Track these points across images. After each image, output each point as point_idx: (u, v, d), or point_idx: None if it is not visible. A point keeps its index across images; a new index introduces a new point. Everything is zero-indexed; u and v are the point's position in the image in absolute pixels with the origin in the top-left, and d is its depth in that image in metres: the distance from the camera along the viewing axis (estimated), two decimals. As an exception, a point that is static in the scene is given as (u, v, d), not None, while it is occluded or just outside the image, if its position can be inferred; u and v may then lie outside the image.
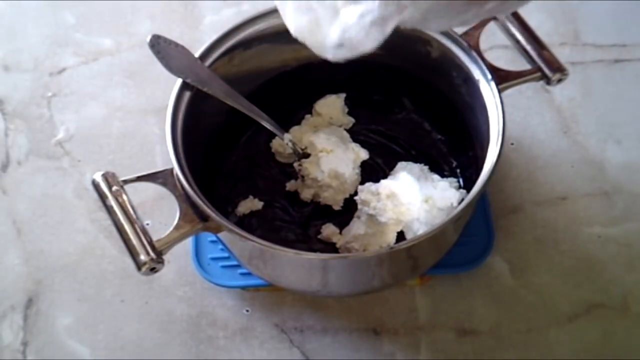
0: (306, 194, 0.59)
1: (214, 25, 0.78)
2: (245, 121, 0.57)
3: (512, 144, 0.68)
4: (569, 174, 0.66)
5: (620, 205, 0.64)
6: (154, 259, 0.43)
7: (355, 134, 0.63)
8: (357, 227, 0.55)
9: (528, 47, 0.54)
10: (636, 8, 0.76)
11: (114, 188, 0.46)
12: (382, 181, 0.56)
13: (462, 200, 0.52)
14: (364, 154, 0.60)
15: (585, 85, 0.71)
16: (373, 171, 0.61)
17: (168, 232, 0.46)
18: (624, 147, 0.67)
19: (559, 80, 0.53)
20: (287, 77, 0.63)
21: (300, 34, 0.39)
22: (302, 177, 0.59)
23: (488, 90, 0.52)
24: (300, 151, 0.60)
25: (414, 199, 0.54)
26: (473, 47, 0.53)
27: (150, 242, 0.44)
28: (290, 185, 0.61)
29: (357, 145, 0.60)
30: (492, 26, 0.55)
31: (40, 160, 0.70)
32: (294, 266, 0.51)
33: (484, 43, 0.54)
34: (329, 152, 0.59)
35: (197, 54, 0.54)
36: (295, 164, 0.60)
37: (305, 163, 0.59)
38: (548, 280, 0.60)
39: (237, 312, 0.61)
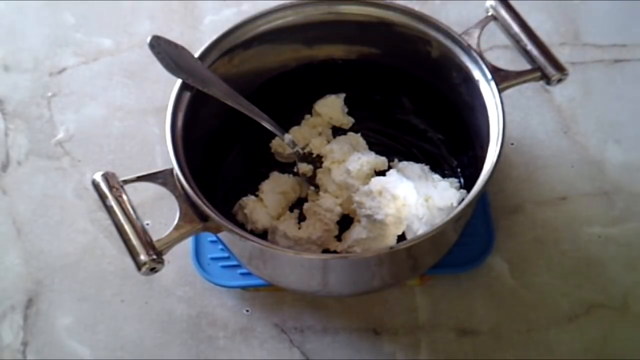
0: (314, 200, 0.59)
1: (214, 25, 0.78)
2: (245, 121, 0.57)
3: (512, 144, 0.68)
4: (569, 174, 0.66)
5: (620, 205, 0.64)
6: (154, 259, 0.43)
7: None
8: (358, 231, 0.55)
9: (528, 47, 0.54)
10: (636, 8, 0.76)
11: (114, 188, 0.46)
12: (372, 179, 0.57)
13: (463, 200, 0.52)
14: (382, 164, 0.60)
15: (585, 85, 0.71)
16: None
17: (168, 232, 0.46)
18: (624, 147, 0.67)
19: (559, 80, 0.53)
20: (287, 77, 0.63)
21: None
22: (317, 185, 0.60)
23: (488, 90, 0.52)
24: (301, 152, 0.60)
25: (408, 192, 0.54)
26: (473, 47, 0.53)
27: (150, 242, 0.44)
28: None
29: (374, 154, 0.60)
30: (492, 26, 0.55)
31: (40, 160, 0.70)
32: (294, 266, 0.51)
33: (484, 43, 0.54)
34: (340, 162, 0.59)
35: (197, 54, 0.54)
36: (299, 165, 0.60)
37: (319, 173, 0.59)
38: (548, 280, 0.60)
39: (237, 312, 0.61)
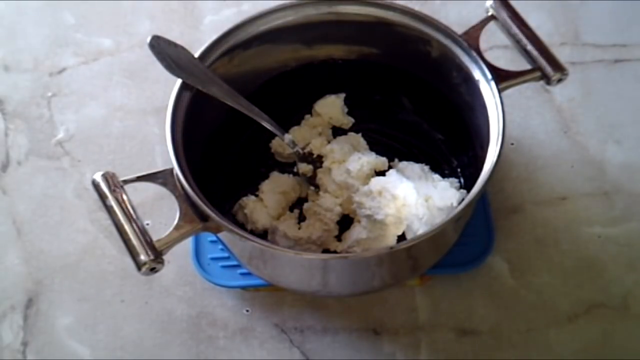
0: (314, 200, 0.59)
1: (214, 25, 0.78)
2: (245, 121, 0.57)
3: (512, 144, 0.68)
4: (569, 174, 0.66)
5: (620, 205, 0.64)
6: (153, 259, 0.43)
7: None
8: (358, 231, 0.55)
9: (528, 47, 0.53)
10: (636, 8, 0.76)
11: (114, 188, 0.46)
12: (372, 179, 0.57)
13: (463, 200, 0.52)
14: (382, 164, 0.59)
15: (585, 85, 0.71)
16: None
17: (168, 232, 0.46)
18: (624, 147, 0.67)
19: (559, 80, 0.53)
20: (287, 77, 0.63)
21: None
22: (317, 185, 0.60)
23: (488, 90, 0.52)
24: (301, 152, 0.60)
25: (408, 192, 0.54)
26: (473, 47, 0.53)
27: (150, 242, 0.44)
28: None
29: (374, 154, 0.60)
30: (492, 26, 0.55)
31: (40, 160, 0.70)
32: (294, 266, 0.51)
33: (484, 43, 0.54)
34: (340, 162, 0.59)
35: (197, 54, 0.54)
36: (299, 165, 0.60)
37: (320, 173, 0.59)
38: (548, 280, 0.60)
39: (237, 312, 0.61)
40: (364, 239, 0.54)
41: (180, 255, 0.61)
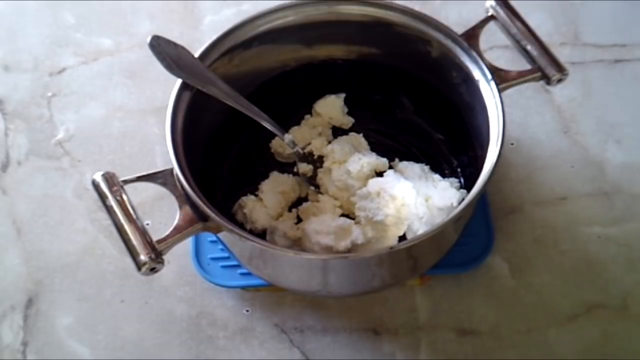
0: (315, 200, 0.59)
1: (214, 25, 0.78)
2: (245, 121, 0.57)
3: (512, 144, 0.68)
4: (569, 174, 0.66)
5: (620, 205, 0.64)
6: (154, 259, 0.43)
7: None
8: (358, 233, 0.55)
9: (528, 47, 0.54)
10: (636, 8, 0.76)
11: (114, 188, 0.46)
12: (370, 180, 0.57)
13: (463, 200, 0.52)
14: (382, 165, 0.59)
15: (585, 85, 0.71)
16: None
17: (168, 232, 0.46)
18: (624, 147, 0.67)
19: (559, 80, 0.53)
20: (287, 77, 0.63)
21: None
22: (317, 185, 0.60)
23: (488, 90, 0.52)
24: (301, 152, 0.60)
25: (407, 192, 0.54)
26: (473, 47, 0.53)
27: (150, 242, 0.44)
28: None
29: (374, 155, 0.60)
30: (492, 26, 0.55)
31: (40, 160, 0.70)
32: (294, 266, 0.51)
33: (484, 43, 0.54)
34: (341, 163, 0.59)
35: (197, 54, 0.54)
36: (299, 165, 0.60)
37: (320, 173, 0.60)
38: (548, 280, 0.60)
39: (237, 312, 0.61)
40: (364, 240, 0.54)
41: (180, 255, 0.61)
